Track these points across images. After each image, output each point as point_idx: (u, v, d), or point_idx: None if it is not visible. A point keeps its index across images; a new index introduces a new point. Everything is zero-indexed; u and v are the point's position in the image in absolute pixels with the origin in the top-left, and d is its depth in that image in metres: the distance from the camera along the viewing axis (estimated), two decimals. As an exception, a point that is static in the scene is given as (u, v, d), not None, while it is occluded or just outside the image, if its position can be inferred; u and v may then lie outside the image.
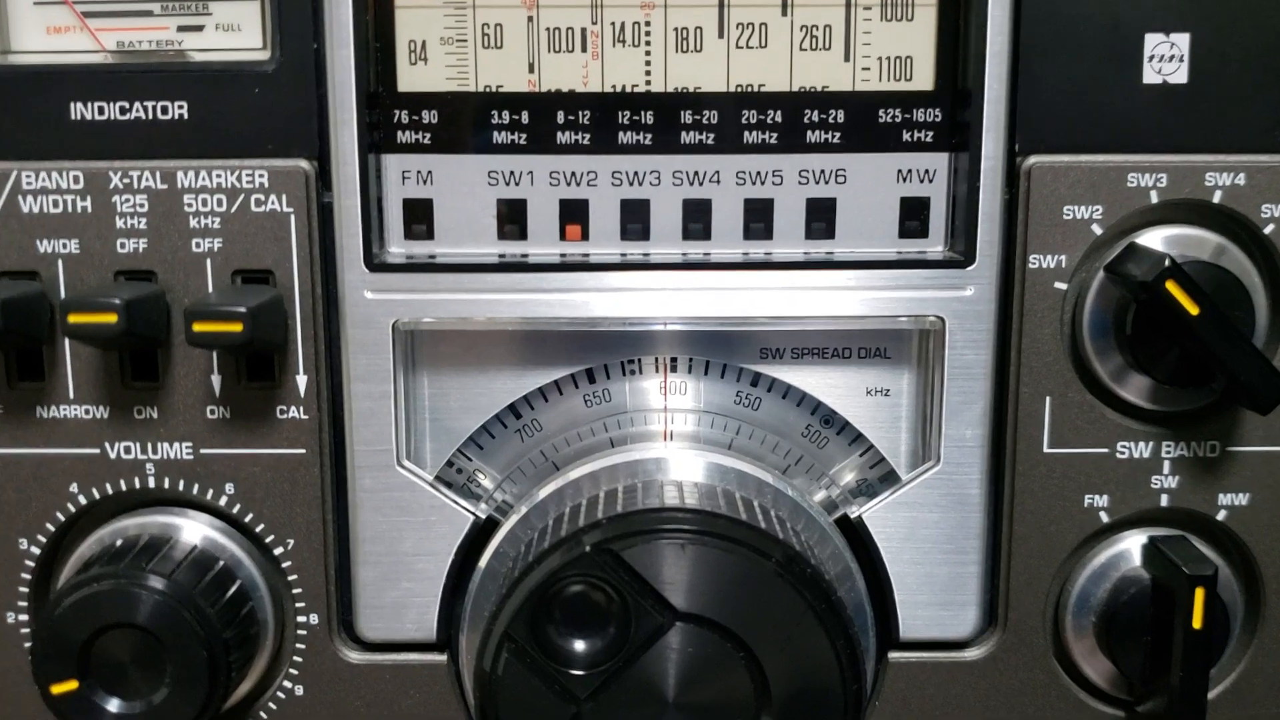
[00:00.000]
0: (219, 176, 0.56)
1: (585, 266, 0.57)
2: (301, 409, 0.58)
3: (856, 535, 0.58)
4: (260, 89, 0.56)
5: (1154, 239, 0.57)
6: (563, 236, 0.58)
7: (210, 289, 0.57)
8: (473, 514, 0.58)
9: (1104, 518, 0.58)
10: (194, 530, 0.59)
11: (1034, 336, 0.57)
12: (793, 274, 0.57)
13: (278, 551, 0.59)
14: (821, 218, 0.58)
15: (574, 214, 0.58)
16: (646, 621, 0.48)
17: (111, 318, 0.53)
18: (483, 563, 0.57)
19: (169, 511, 0.60)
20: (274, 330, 0.56)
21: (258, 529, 0.59)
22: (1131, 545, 0.59)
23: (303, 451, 0.58)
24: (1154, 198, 0.56)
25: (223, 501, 0.58)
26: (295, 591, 0.59)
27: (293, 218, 0.56)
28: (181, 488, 0.58)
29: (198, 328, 0.53)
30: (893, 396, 0.60)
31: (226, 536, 0.60)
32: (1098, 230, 0.56)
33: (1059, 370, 0.57)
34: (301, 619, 0.60)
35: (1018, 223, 0.56)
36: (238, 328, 0.54)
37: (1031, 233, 0.56)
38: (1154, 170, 0.56)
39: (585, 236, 0.58)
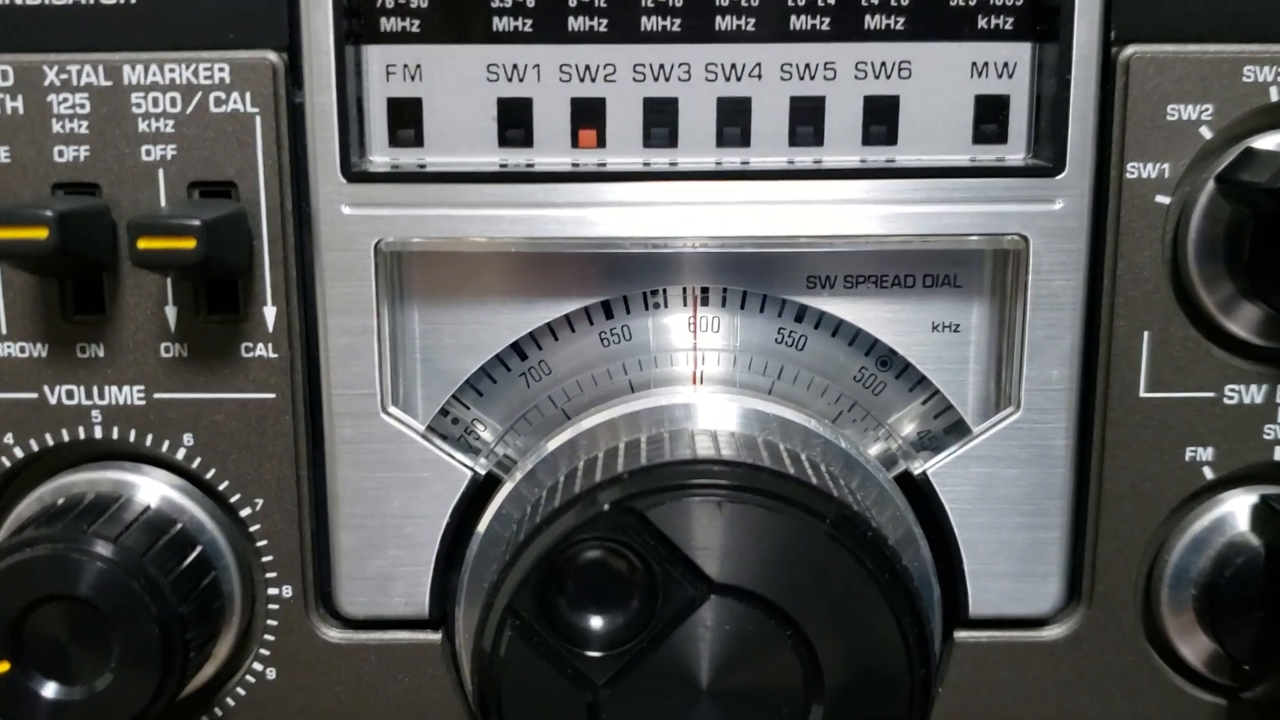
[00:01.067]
0: (172, 71, 0.51)
1: (601, 176, 0.52)
2: (270, 346, 0.53)
3: (920, 495, 0.54)
4: (220, -34, 0.50)
5: (1273, 143, 0.51)
6: (575, 143, 0.53)
7: (163, 204, 0.52)
8: (471, 469, 0.54)
9: (1208, 474, 0.54)
10: (149, 489, 0.55)
11: (1131, 260, 0.52)
12: (846, 185, 0.52)
13: (245, 513, 0.55)
14: (881, 120, 0.52)
15: (588, 116, 0.52)
16: (676, 594, 0.45)
17: (41, 233, 0.47)
18: (482, 526, 0.53)
19: (120, 467, 0.55)
20: (235, 250, 0.51)
21: (221, 487, 0.55)
22: (1239, 506, 0.55)
23: (272, 396, 0.54)
24: (1274, 95, 0.51)
25: (180, 455, 0.54)
26: (265, 560, 0.55)
27: (258, 120, 0.51)
28: (133, 439, 0.54)
29: (144, 244, 0.48)
30: (962, 333, 0.55)
31: (186, 495, 0.55)
32: (1207, 133, 0.51)
33: (1159, 300, 0.52)
34: (273, 591, 0.55)
35: (1113, 125, 0.51)
36: (190, 243, 0.48)
37: (1130, 137, 0.51)
38: (1274, 62, 0.50)
39: (601, 143, 0.53)
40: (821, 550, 0.45)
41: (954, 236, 0.52)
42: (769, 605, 0.45)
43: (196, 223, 0.48)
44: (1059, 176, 0.51)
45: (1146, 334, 0.53)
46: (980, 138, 0.53)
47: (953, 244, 0.53)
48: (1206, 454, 0.54)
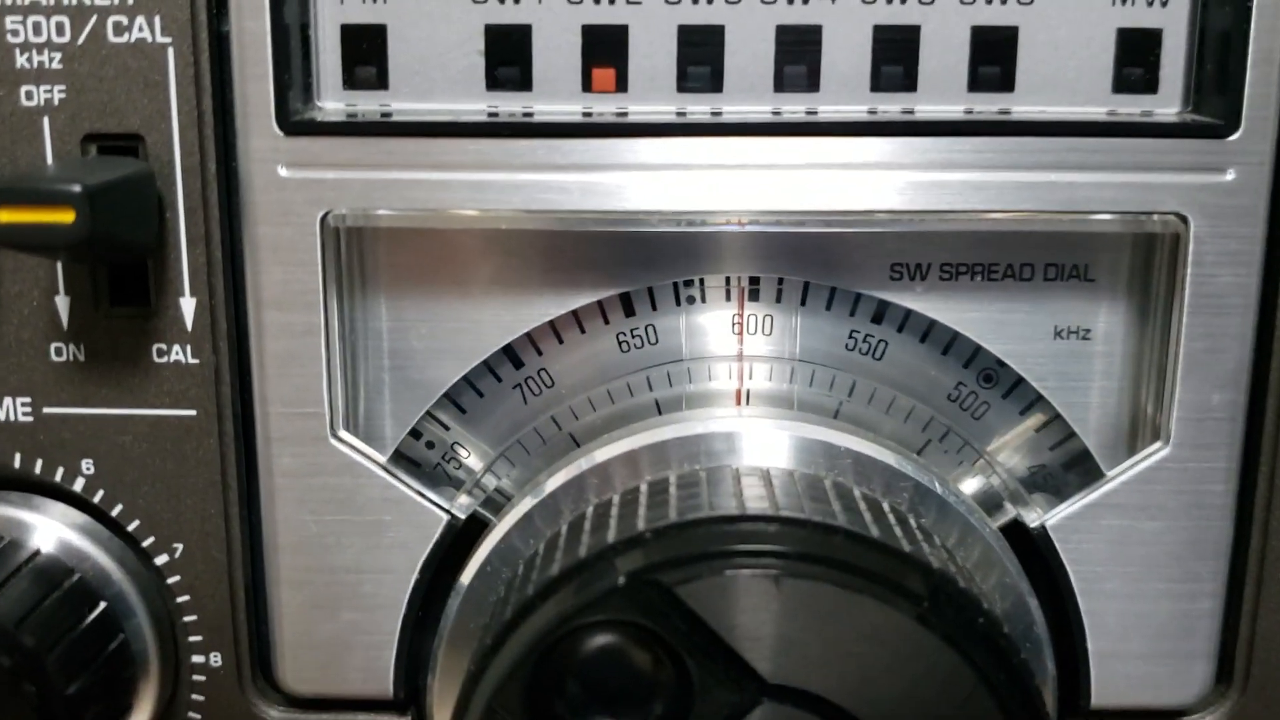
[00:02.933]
0: None
1: (622, 130, 0.46)
2: (189, 349, 0.48)
3: (1035, 552, 0.48)
4: None
5: None
6: (587, 86, 0.47)
7: (49, 161, 0.47)
8: (447, 512, 0.49)
9: None
10: (43, 529, 0.50)
11: None
12: (945, 144, 0.46)
13: (161, 560, 0.50)
14: (993, 59, 0.47)
15: (604, 50, 0.47)
16: (716, 698, 0.40)
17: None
18: (466, 577, 0.47)
19: (4, 500, 0.50)
20: (137, 225, 0.45)
21: (131, 527, 0.50)
22: None
23: (192, 413, 0.49)
24: None
25: (78, 485, 0.50)
26: (188, 619, 0.51)
27: (171, 53, 0.45)
28: (18, 464, 0.50)
29: (7, 217, 0.42)
30: (1093, 341, 0.50)
31: (87, 537, 0.50)
32: None
33: None
34: (199, 659, 0.51)
35: None
36: (67, 216, 0.42)
37: None
38: None
39: (622, 86, 0.47)
40: (914, 642, 0.39)
41: (1087, 215, 0.46)
42: (840, 715, 0.40)
43: (76, 189, 0.42)
44: (1231, 138, 0.45)
45: None
46: (1123, 85, 0.47)
47: (1085, 225, 0.47)
48: (1407, 503, 0.49)
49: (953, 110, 0.46)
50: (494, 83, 0.47)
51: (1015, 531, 0.48)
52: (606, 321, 0.50)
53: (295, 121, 0.45)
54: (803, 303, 0.50)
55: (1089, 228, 0.47)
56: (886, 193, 0.46)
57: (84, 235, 0.41)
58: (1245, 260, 0.46)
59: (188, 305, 0.47)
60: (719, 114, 0.46)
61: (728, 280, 0.49)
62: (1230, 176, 0.45)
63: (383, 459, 0.48)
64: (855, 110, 0.46)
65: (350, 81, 0.47)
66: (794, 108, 0.46)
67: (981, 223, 0.47)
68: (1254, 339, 0.47)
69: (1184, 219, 0.45)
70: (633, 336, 0.50)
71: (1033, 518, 0.48)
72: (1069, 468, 0.50)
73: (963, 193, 0.46)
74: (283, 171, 0.45)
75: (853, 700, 0.39)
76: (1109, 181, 0.45)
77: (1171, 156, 0.45)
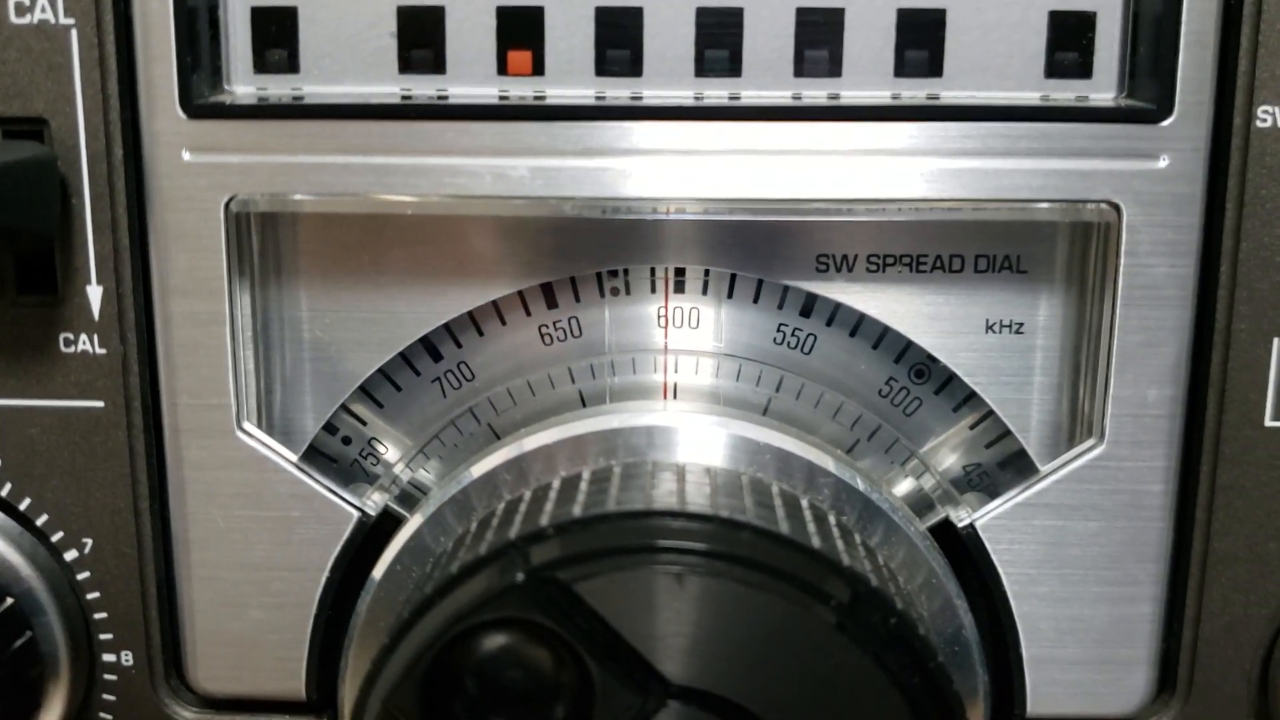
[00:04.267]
0: None
1: (538, 114, 0.45)
2: (96, 339, 0.47)
3: (965, 553, 0.47)
4: None
5: None
6: (502, 69, 0.46)
7: None
8: (358, 509, 0.47)
9: (1353, 529, 0.48)
10: None
11: (1259, 239, 0.45)
12: (871, 130, 0.44)
13: (70, 556, 0.49)
14: (921, 42, 0.45)
15: (520, 31, 0.46)
16: (618, 700, 0.38)
17: None
18: (379, 571, 0.46)
19: None
20: (37, 211, 0.44)
21: (39, 521, 0.49)
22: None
23: (100, 404, 0.48)
24: None
25: None
26: (99, 616, 0.49)
27: (74, 34, 0.44)
28: None
29: None
30: (1027, 334, 0.49)
31: None
32: None
33: None
34: (110, 657, 0.50)
35: (1240, 52, 0.44)
36: None
37: (1263, 69, 0.44)
38: None
39: (539, 69, 0.46)
40: (825, 644, 0.38)
41: (1018, 203, 0.45)
42: (748, 718, 0.39)
43: None
44: (1165, 123, 0.44)
45: (1277, 341, 0.46)
46: (1055, 69, 0.46)
47: (1016, 214, 0.46)
48: (1352, 503, 0.48)
49: (880, 96, 0.45)
50: (407, 65, 0.46)
51: (945, 531, 0.47)
52: (528, 313, 0.49)
53: (198, 105, 0.44)
54: (729, 295, 0.49)
55: (1018, 216, 0.46)
56: (813, 182, 0.45)
57: (-25, 222, 0.40)
58: (1181, 250, 0.44)
59: (94, 294, 0.46)
60: (639, 97, 0.45)
61: (653, 271, 0.48)
62: (1164, 163, 0.44)
63: (290, 454, 0.47)
64: (778, 95, 0.45)
65: (261, 65, 0.46)
66: (716, 92, 0.45)
67: (911, 212, 0.46)
68: (1191, 332, 0.46)
69: (1117, 208, 0.44)
70: (555, 329, 0.49)
71: (963, 517, 0.47)
72: (1005, 466, 0.49)
73: (891, 182, 0.45)
74: (186, 156, 0.44)
75: (761, 703, 0.38)
76: (1042, 169, 0.44)
77: (1103, 142, 0.44)
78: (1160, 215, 0.44)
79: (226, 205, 0.45)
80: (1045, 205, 0.45)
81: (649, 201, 0.46)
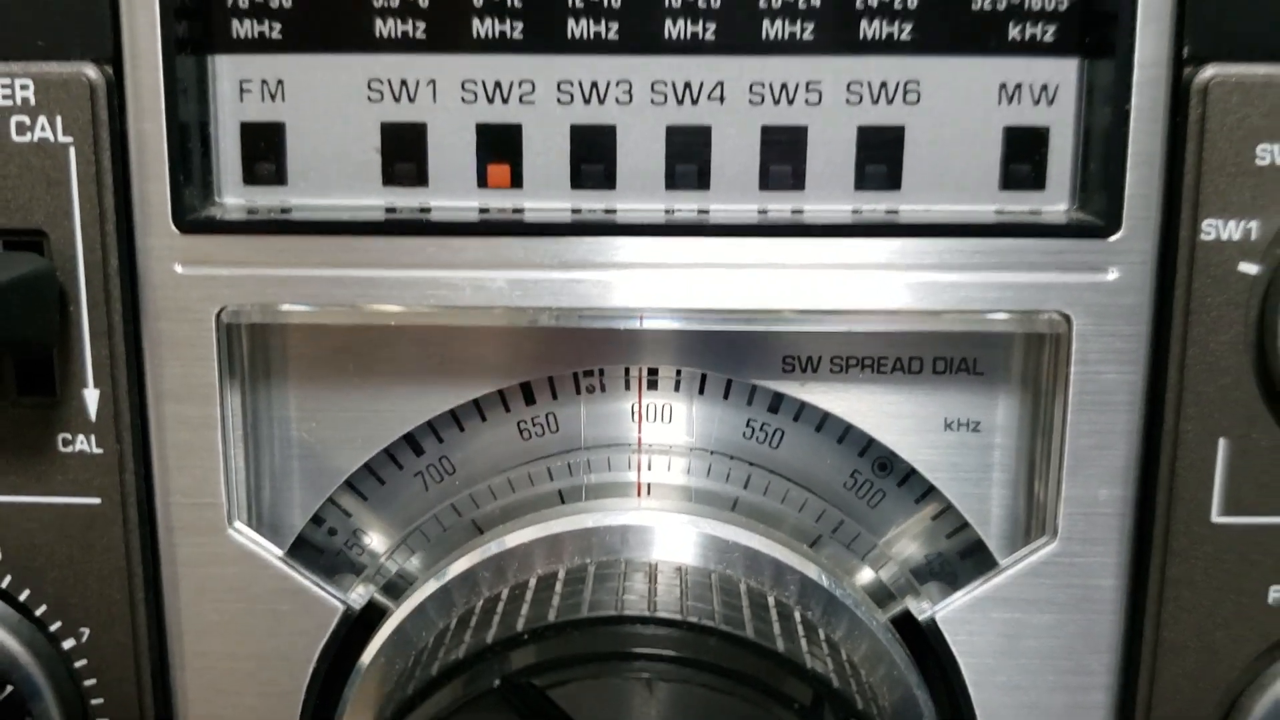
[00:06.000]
0: None
1: (517, 229, 0.45)
2: (93, 439, 0.47)
3: (926, 644, 0.47)
4: (24, -47, 0.45)
5: None
6: (483, 182, 0.46)
7: None
8: (343, 603, 0.48)
9: (1298, 619, 0.48)
10: None
11: (1205, 346, 0.46)
12: (835, 245, 0.45)
13: (68, 645, 0.49)
14: (880, 157, 0.46)
15: (499, 146, 0.46)
16: None
17: None
18: (366, 658, 0.46)
19: None
20: (37, 322, 0.44)
21: (39, 611, 0.49)
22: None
23: (97, 501, 0.48)
24: None
25: None
26: (95, 703, 0.49)
27: (73, 152, 0.45)
28: None
29: None
30: (984, 433, 0.49)
31: None
32: None
33: (1240, 397, 0.46)
34: None
35: (1185, 169, 0.44)
36: None
37: (1207, 185, 0.44)
38: None
39: (517, 182, 0.46)
40: None
41: (974, 314, 0.46)
42: None
43: None
44: (1113, 238, 0.45)
45: (1223, 442, 0.46)
46: (1010, 182, 0.46)
47: (973, 324, 0.47)
48: (1296, 594, 0.48)
49: (841, 210, 0.46)
50: (390, 178, 0.46)
51: (906, 623, 0.47)
52: (507, 409, 0.49)
53: (190, 220, 0.44)
54: (700, 391, 0.49)
55: (974, 326, 0.47)
56: (779, 292, 0.45)
57: (-20, 338, 0.40)
58: (1130, 358, 0.45)
59: (91, 396, 0.46)
60: (612, 211, 0.45)
61: (627, 371, 0.49)
62: (1113, 276, 0.44)
63: (278, 550, 0.47)
64: (745, 208, 0.45)
65: (250, 177, 0.46)
66: (685, 205, 0.46)
67: (871, 322, 0.46)
68: (1141, 434, 0.46)
69: (1068, 319, 0.45)
70: (533, 425, 0.49)
71: (924, 609, 0.47)
72: (966, 556, 0.49)
73: (853, 294, 0.45)
74: (179, 269, 0.45)
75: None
76: (997, 282, 0.45)
77: (1055, 256, 0.44)
78: (1109, 325, 0.45)
79: (218, 315, 0.45)
80: (1000, 316, 0.45)
81: (623, 312, 0.46)
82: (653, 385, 0.49)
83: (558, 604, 0.41)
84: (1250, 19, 0.43)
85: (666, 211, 0.45)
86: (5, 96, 0.44)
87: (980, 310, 0.45)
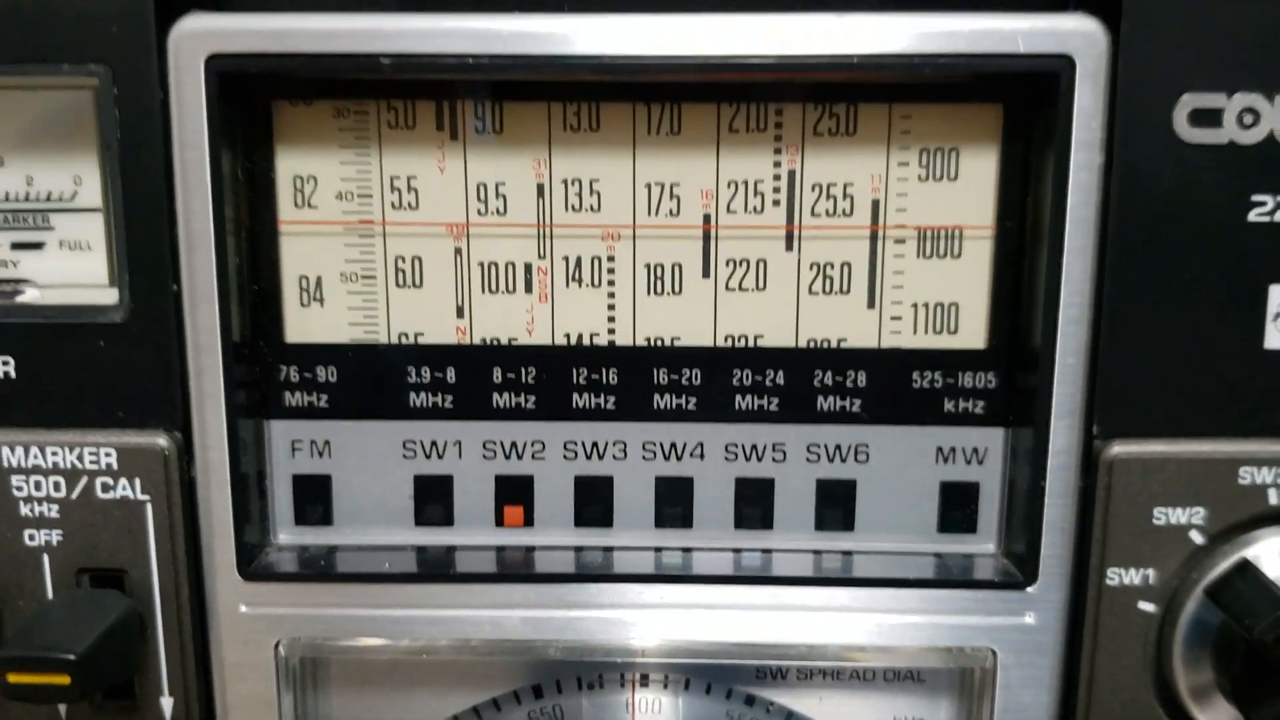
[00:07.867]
0: (55, 455, 0.48)
1: (529, 578, 0.49)
2: None
3: None
4: (106, 342, 0.47)
5: (1272, 550, 0.47)
6: (499, 522, 0.51)
7: (49, 592, 0.49)
8: None
9: None
10: None
11: (1110, 671, 0.49)
12: (797, 591, 0.49)
13: None
14: (837, 505, 0.50)
15: (514, 492, 0.50)
16: None
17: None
18: None
19: None
20: (122, 660, 0.48)
21: None
22: None
23: None
24: (1274, 498, 0.47)
25: None
26: None
27: (149, 508, 0.48)
28: None
29: (15, 679, 0.45)
30: None
31: None
32: (1199, 539, 0.48)
33: (1142, 711, 0.49)
34: None
35: (1094, 526, 0.47)
36: (63, 680, 0.45)
37: (1112, 541, 0.47)
38: (1275, 463, 0.47)
39: (529, 521, 0.51)
40: None
41: (916, 650, 0.49)
42: None
43: (71, 657, 0.45)
44: (1030, 589, 0.48)
45: None
46: (946, 527, 0.50)
47: (914, 660, 0.50)
48: None
49: (803, 549, 0.50)
50: (421, 519, 0.50)
51: None
52: (519, 702, 0.52)
53: (251, 570, 0.48)
54: (686, 688, 0.52)
55: (914, 663, 0.50)
56: (751, 628, 0.49)
57: (78, 695, 0.44)
58: (1042, 685, 0.48)
59: (166, 704, 0.50)
60: (610, 550, 0.50)
61: (622, 675, 0.52)
62: (1030, 619, 0.48)
63: None
64: (722, 549, 0.50)
65: (300, 519, 0.50)
66: (671, 542, 0.50)
67: (823, 657, 0.49)
68: None
69: (994, 653, 0.48)
70: (541, 714, 0.52)
71: None
72: None
73: (813, 629, 0.49)
74: (243, 609, 0.49)
75: None
76: (937, 623, 0.48)
77: (983, 603, 0.48)
78: (1028, 658, 0.48)
79: (275, 646, 0.49)
80: (940, 650, 0.49)
81: (622, 650, 0.49)
82: (644, 682, 0.52)
83: None
84: (1149, 405, 0.46)
85: (656, 550, 0.50)
86: (93, 462, 0.48)
87: (923, 646, 0.48)
